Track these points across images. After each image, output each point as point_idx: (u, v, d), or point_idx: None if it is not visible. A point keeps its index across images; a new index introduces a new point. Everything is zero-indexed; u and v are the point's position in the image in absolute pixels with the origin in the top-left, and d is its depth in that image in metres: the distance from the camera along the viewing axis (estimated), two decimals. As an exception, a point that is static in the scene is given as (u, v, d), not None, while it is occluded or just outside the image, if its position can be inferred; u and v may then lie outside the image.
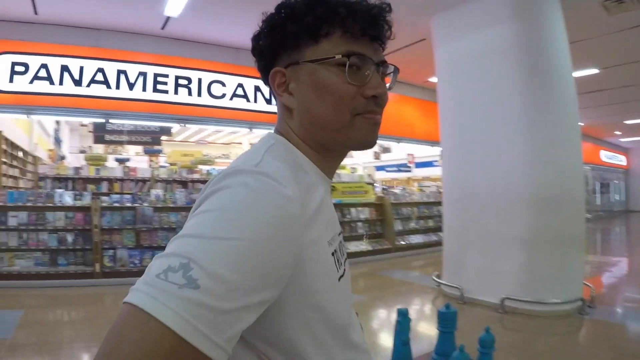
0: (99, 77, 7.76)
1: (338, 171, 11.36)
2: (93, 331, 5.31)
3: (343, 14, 0.87)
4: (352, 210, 10.14)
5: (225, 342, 0.61)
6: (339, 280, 0.87)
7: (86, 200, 7.98)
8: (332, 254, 0.86)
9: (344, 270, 0.93)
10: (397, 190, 12.84)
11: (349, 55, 0.87)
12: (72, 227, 7.81)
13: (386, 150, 17.98)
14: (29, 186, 10.74)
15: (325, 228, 0.85)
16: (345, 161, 18.71)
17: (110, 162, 11.74)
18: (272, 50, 0.95)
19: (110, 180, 9.52)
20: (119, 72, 7.93)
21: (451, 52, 6.97)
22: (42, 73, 7.44)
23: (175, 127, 11.34)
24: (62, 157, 13.28)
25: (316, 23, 0.88)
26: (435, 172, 16.33)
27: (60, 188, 8.53)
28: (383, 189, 13.56)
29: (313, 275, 0.79)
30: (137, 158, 15.39)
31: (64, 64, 7.57)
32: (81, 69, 7.64)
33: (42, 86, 7.47)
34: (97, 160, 10.04)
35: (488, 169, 6.28)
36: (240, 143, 21.26)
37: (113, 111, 8.08)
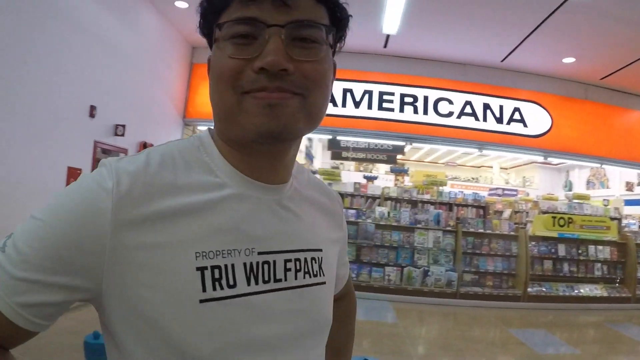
0: (326, 95, 8.21)
1: (580, 201, 10.20)
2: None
3: None
4: (591, 247, 8.76)
5: (18, 306, 0.65)
6: (204, 302, 0.70)
7: (313, 212, 8.46)
8: (200, 269, 0.71)
9: (234, 297, 0.73)
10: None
11: (221, 25, 0.72)
12: (297, 236, 8.36)
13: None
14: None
15: (195, 236, 0.72)
16: (592, 192, 16.52)
17: (358, 178, 12.26)
18: (207, 37, 0.81)
19: (341, 195, 9.83)
20: (345, 90, 8.29)
21: None
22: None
23: (413, 146, 11.32)
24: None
25: None
26: None
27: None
28: (640, 226, 11.54)
29: (140, 282, 0.69)
30: (385, 177, 15.86)
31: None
32: (309, 88, 8.19)
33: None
34: (330, 176, 10.54)
35: None
36: (491, 167, 20.31)
37: (340, 128, 8.47)
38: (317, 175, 0.82)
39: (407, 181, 14.04)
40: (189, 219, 0.72)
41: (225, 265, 0.73)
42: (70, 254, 0.67)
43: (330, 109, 8.16)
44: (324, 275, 0.88)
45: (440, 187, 9.76)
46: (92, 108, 6.14)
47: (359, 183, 10.16)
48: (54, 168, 5.78)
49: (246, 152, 0.79)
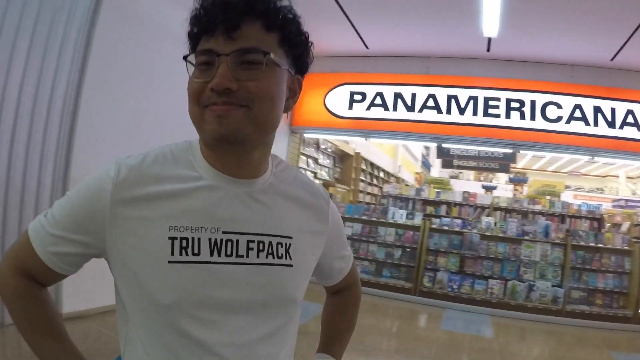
0: (430, 102, 8.11)
1: None
2: (398, 343, 5.62)
3: (199, 15, 0.93)
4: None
5: (50, 253, 0.97)
6: (171, 263, 0.93)
7: (417, 220, 8.42)
8: (171, 238, 0.94)
9: (197, 262, 0.95)
10: None
11: (186, 56, 0.96)
12: (400, 243, 8.39)
13: None
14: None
15: (171, 213, 0.95)
16: None
17: (476, 188, 11.93)
18: None
19: (449, 204, 9.66)
20: (450, 97, 8.11)
21: None
22: (378, 100, 8.29)
23: (534, 154, 10.75)
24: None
25: (192, 29, 0.97)
26: None
27: (401, 207, 9.10)
28: None
29: (127, 244, 0.95)
30: (505, 186, 15.26)
31: (397, 91, 8.25)
32: (413, 95, 8.15)
33: (377, 112, 8.34)
34: (439, 184, 10.37)
35: None
36: (617, 176, 18.62)
37: (445, 135, 8.30)
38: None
39: (526, 191, 13.43)
40: (168, 201, 0.96)
41: (192, 238, 0.95)
42: (84, 220, 0.96)
43: (435, 116, 8.05)
44: (290, 259, 1.04)
45: (555, 198, 9.19)
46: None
47: (467, 192, 9.88)
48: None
49: (217, 152, 0.98)
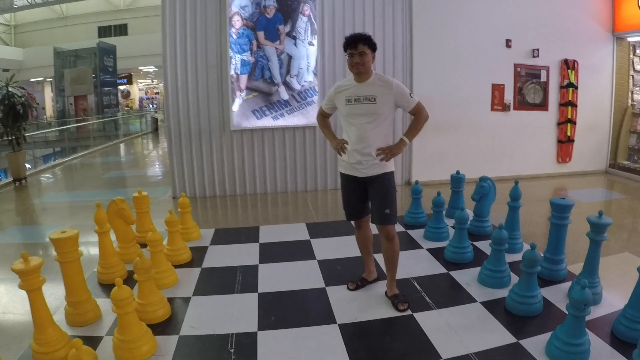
0: None
1: None
2: None
3: (347, 43, 3.41)
4: None
5: (324, 107, 3.87)
6: (345, 105, 3.51)
7: None
8: (345, 98, 3.51)
9: (352, 106, 3.46)
10: None
11: (346, 52, 3.48)
12: None
13: None
14: None
15: (344, 94, 3.52)
16: None
17: None
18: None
19: None
20: None
21: None
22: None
23: None
24: None
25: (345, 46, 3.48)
26: None
27: None
28: None
29: (338, 102, 3.62)
30: None
31: None
32: None
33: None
34: None
35: None
36: None
37: None
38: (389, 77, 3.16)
39: None
40: (344, 91, 3.55)
41: (349, 99, 3.50)
42: (330, 98, 3.72)
43: None
44: (375, 101, 3.42)
45: None
46: (508, 41, 8.61)
47: None
48: (481, 85, 8.74)
49: (355, 76, 3.50)
